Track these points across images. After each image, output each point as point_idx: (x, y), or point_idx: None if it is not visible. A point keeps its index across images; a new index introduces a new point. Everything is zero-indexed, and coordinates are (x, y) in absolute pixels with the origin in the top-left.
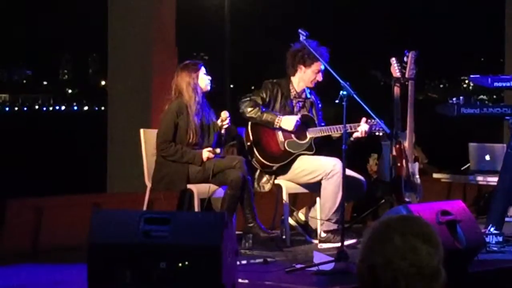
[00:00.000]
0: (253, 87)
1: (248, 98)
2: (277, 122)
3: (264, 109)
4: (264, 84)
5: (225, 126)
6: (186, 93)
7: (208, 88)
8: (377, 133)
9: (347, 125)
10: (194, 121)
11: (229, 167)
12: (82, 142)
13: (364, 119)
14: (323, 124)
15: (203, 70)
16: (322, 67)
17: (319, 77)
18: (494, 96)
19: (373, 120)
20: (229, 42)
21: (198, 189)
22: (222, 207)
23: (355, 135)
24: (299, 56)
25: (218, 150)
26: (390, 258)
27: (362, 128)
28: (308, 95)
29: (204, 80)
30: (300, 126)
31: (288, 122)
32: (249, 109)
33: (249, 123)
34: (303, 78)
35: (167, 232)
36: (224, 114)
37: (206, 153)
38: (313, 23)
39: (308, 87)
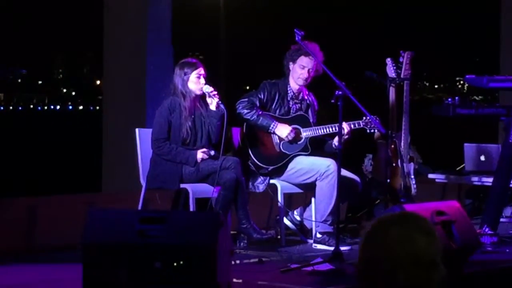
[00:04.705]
0: (248, 87)
1: (246, 99)
2: (272, 128)
3: (260, 112)
4: (262, 84)
5: (214, 95)
6: (179, 92)
7: (199, 92)
8: (372, 130)
9: (336, 125)
10: (186, 119)
11: (223, 168)
12: (77, 142)
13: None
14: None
15: (198, 71)
16: (310, 65)
17: (305, 73)
18: (489, 97)
19: (366, 118)
20: (224, 42)
21: (194, 189)
22: (216, 208)
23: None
24: (289, 54)
25: (212, 152)
26: (388, 248)
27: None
28: (306, 97)
29: (195, 84)
30: (294, 133)
31: (282, 130)
32: (246, 111)
33: (245, 123)
34: (293, 76)
35: (162, 231)
36: (207, 88)
37: (200, 154)
38: (309, 22)
39: (301, 86)
